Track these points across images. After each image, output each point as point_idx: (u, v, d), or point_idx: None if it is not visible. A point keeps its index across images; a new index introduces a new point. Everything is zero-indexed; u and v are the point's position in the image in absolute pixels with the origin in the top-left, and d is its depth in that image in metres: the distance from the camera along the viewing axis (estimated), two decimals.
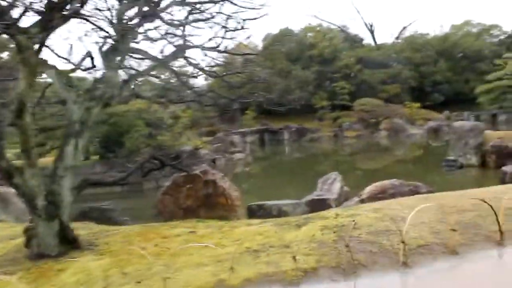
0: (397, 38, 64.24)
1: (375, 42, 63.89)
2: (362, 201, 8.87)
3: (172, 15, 8.15)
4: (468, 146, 20.63)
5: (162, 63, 7.83)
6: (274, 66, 54.59)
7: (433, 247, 5.39)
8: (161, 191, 9.43)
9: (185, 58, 8.08)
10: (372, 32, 64.87)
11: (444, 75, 56.19)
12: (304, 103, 52.67)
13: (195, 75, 10.85)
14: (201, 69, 9.28)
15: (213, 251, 5.86)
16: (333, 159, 35.52)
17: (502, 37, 60.25)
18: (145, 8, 7.69)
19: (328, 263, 5.03)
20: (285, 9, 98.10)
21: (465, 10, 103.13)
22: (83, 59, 7.74)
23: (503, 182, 14.47)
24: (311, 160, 35.74)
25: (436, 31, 67.51)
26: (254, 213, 9.84)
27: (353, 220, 6.32)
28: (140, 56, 7.72)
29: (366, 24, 68.64)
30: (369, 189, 9.09)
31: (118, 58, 7.39)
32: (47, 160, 25.85)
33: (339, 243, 5.49)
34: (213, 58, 9.84)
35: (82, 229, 8.61)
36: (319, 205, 13.86)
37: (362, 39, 64.52)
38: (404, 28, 64.72)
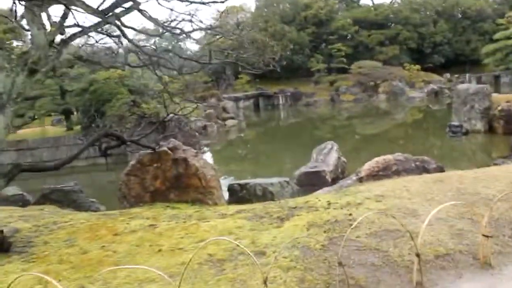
0: None
1: (373, 2, 61.39)
2: (361, 180, 7.51)
3: None
4: (474, 110, 19.19)
5: (106, 18, 6.27)
6: (268, 28, 52.54)
7: (457, 257, 4.01)
8: (124, 171, 8.01)
9: (140, 11, 6.54)
10: None
11: (444, 36, 54.20)
12: (300, 66, 51.04)
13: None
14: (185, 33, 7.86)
15: (167, 259, 4.50)
16: (330, 124, 34.14)
17: None
18: None
19: (312, 285, 3.64)
20: None
21: None
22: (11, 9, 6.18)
23: None
24: (307, 125, 34.39)
25: None
26: (235, 193, 8.48)
27: (350, 213, 4.94)
28: (79, 10, 6.16)
29: None
30: (369, 166, 7.71)
31: (43, 10, 5.82)
32: (28, 132, 24.45)
33: (330, 250, 4.11)
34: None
35: (27, 220, 7.26)
36: (313, 178, 12.56)
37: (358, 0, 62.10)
38: None
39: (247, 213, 5.80)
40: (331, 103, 44.58)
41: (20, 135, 24.44)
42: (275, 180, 8.36)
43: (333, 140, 25.28)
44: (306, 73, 50.60)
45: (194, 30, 7.49)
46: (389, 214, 4.68)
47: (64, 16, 6.90)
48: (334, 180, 12.79)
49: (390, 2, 60.48)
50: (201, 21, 7.53)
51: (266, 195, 8.15)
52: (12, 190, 12.78)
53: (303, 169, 12.79)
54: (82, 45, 12.04)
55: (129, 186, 7.97)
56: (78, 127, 25.51)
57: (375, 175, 7.43)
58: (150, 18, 6.84)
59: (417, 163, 7.72)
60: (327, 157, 13.38)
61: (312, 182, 12.37)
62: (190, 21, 7.38)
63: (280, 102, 46.24)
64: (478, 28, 55.08)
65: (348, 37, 54.47)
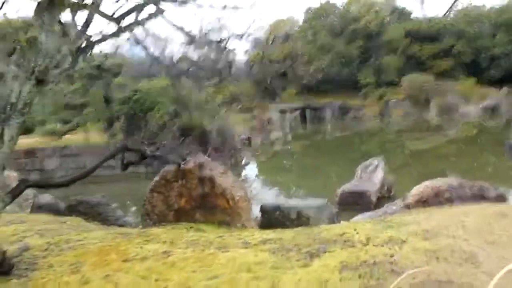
0: (449, 10, 59.51)
1: (425, 15, 59.38)
2: (408, 207, 6.64)
3: None
4: None
5: (128, 26, 5.76)
6: (315, 41, 51.75)
7: None
8: (149, 187, 7.46)
9: (164, 18, 6.00)
10: (421, 4, 60.36)
11: (503, 49, 51.51)
12: (348, 79, 49.88)
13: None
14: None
15: None
16: (378, 139, 32.90)
17: None
18: None
19: None
20: None
21: None
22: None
23: None
24: (354, 140, 33.31)
25: (493, 2, 62.17)
26: (268, 215, 7.75)
27: (391, 254, 4.12)
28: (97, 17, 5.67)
29: None
30: (417, 191, 6.82)
31: (56, 15, 5.33)
32: (73, 138, 24.72)
33: None
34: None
35: (43, 235, 6.84)
36: (356, 198, 11.69)
37: (410, 12, 60.13)
38: (457, 0, 59.76)
39: (273, 244, 5.06)
40: (379, 117, 43.12)
41: (65, 141, 24.74)
42: (312, 202, 7.60)
43: (380, 156, 24.33)
44: (354, 86, 49.37)
45: (224, 39, 6.83)
46: (441, 258, 3.83)
47: (87, 24, 6.45)
48: (379, 200, 11.90)
49: (444, 15, 58.37)
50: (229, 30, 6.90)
51: (300, 219, 7.40)
52: (47, 197, 12.62)
53: (346, 187, 11.96)
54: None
55: (153, 203, 7.42)
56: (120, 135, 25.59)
57: (424, 202, 6.54)
58: (176, 26, 6.29)
59: (474, 190, 6.75)
60: (372, 175, 12.46)
61: (355, 201, 11.54)
62: (220, 29, 6.74)
63: (327, 115, 45.18)
64: None
65: (399, 50, 52.83)
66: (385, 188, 12.14)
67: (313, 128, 41.59)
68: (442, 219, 5.19)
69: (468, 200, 6.52)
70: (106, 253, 5.60)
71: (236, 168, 21.88)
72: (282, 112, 41.82)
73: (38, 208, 11.92)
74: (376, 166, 12.56)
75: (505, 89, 46.75)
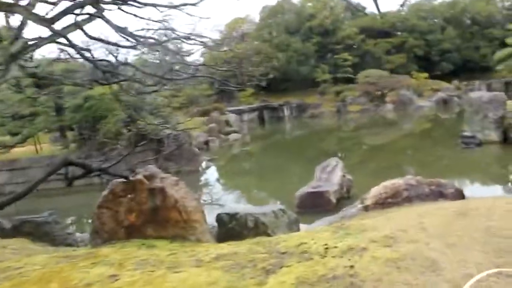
0: (401, 5, 60.73)
1: (379, 10, 60.40)
2: (366, 209, 6.46)
3: None
4: (487, 119, 18.04)
5: (65, 28, 5.31)
6: (272, 39, 51.77)
7: None
8: (97, 203, 6.99)
9: (104, 19, 5.57)
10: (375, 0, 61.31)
11: (453, 43, 53.03)
12: (305, 77, 50.10)
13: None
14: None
15: None
16: (336, 136, 33.12)
17: None
18: None
19: None
20: None
21: None
22: None
23: None
24: (313, 138, 33.35)
25: None
26: (224, 224, 7.41)
27: (351, 265, 3.88)
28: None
29: None
30: (376, 192, 6.65)
31: None
32: (22, 150, 23.65)
33: None
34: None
35: None
36: (316, 200, 11.52)
37: (364, 8, 61.15)
38: None
39: (227, 261, 4.74)
40: (337, 114, 43.51)
41: (14, 154, 23.63)
42: (268, 209, 7.29)
43: (339, 152, 24.45)
44: (311, 84, 49.69)
45: (169, 39, 6.45)
46: (402, 268, 3.61)
47: (21, 27, 5.97)
48: (339, 201, 11.78)
49: (397, 10, 59.51)
50: (173, 30, 6.48)
51: (258, 227, 7.09)
52: None
53: (305, 189, 11.76)
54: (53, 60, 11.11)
55: (102, 220, 6.94)
56: (73, 145, 24.64)
57: (383, 203, 6.37)
58: (117, 28, 5.87)
59: (432, 187, 6.64)
60: (331, 175, 12.33)
61: (314, 203, 11.37)
62: (165, 30, 6.36)
63: (285, 114, 45.27)
64: (487, 34, 53.87)
65: (354, 46, 53.56)
66: (344, 188, 12.02)
67: (272, 128, 41.54)
68: (401, 222, 5.01)
69: (427, 198, 6.40)
70: (46, 280, 5.12)
71: (194, 173, 21.46)
72: (240, 113, 41.54)
73: None
74: (335, 166, 12.43)
75: (455, 82, 48.11)
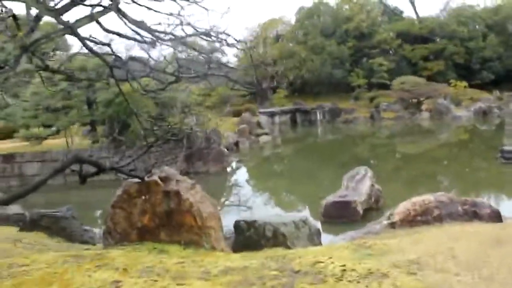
0: (441, 10, 59.06)
1: (417, 15, 58.91)
2: (393, 226, 6.00)
3: None
4: None
5: (78, 21, 5.08)
6: (307, 41, 51.17)
7: None
8: (111, 203, 6.78)
9: (120, 12, 5.32)
10: (413, 3, 59.84)
11: (495, 51, 51.05)
12: (340, 81, 49.36)
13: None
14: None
15: None
16: (369, 142, 32.37)
17: None
18: None
19: None
20: None
21: None
22: None
23: None
24: (345, 143, 32.75)
25: (487, 2, 61.68)
26: (242, 232, 7.08)
27: None
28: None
29: None
30: (404, 208, 6.17)
31: None
32: (54, 143, 23.95)
33: None
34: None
35: None
36: (342, 210, 11.05)
37: (402, 12, 59.71)
38: None
39: (236, 275, 4.41)
40: (370, 120, 42.60)
41: (46, 146, 23.96)
42: (289, 218, 6.91)
43: (371, 159, 23.80)
44: (345, 88, 48.90)
45: (188, 35, 6.14)
46: None
47: (37, 19, 5.78)
48: (367, 212, 11.29)
49: (436, 15, 57.94)
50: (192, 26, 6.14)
51: (277, 237, 6.73)
52: (14, 208, 11.88)
53: (331, 198, 11.31)
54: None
55: (115, 220, 6.72)
56: (105, 139, 24.77)
57: (411, 221, 5.90)
58: (134, 22, 5.61)
59: (466, 206, 6.12)
60: (359, 184, 11.83)
61: (340, 214, 10.91)
62: (181, 24, 6.05)
63: (318, 118, 44.57)
64: None
65: (390, 52, 52.46)
66: (373, 199, 11.50)
67: (304, 131, 40.97)
68: (429, 246, 4.55)
69: (460, 218, 5.89)
70: (48, 282, 4.91)
71: (222, 174, 21.24)
72: (272, 115, 41.18)
73: (5, 220, 11.20)
74: (364, 175, 11.92)
75: (496, 92, 46.38)
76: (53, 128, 25.04)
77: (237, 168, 23.99)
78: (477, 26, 53.96)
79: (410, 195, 14.58)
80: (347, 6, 55.44)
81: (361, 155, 26.23)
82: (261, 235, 6.83)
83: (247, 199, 16.22)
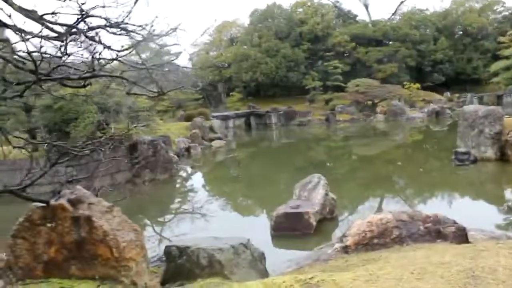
0: (393, 14, 59.92)
1: (370, 18, 59.56)
2: (346, 250, 5.15)
3: None
4: (483, 135, 16.85)
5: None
6: (261, 44, 50.55)
7: None
8: (11, 233, 5.60)
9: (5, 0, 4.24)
10: (366, 7, 60.46)
11: (445, 54, 52.29)
12: (295, 83, 48.97)
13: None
14: None
15: None
16: (324, 145, 31.87)
17: (505, 13, 56.41)
18: None
19: None
20: None
21: None
22: None
23: None
24: (300, 146, 32.07)
25: (436, 6, 63.37)
26: (173, 260, 6.04)
27: None
28: None
29: None
30: (358, 228, 5.31)
31: None
32: None
33: None
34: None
35: None
36: (294, 221, 10.16)
37: (356, 15, 60.22)
38: (401, 3, 60.27)
39: None
40: (326, 122, 42.30)
41: None
42: (226, 244, 5.91)
43: (327, 162, 23.21)
44: (300, 91, 48.57)
45: (90, 28, 5.04)
46: None
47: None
48: (320, 223, 10.45)
49: (388, 18, 58.65)
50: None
51: (213, 265, 5.73)
52: None
53: (282, 209, 10.40)
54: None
55: (16, 253, 5.55)
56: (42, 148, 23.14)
57: (367, 244, 5.06)
58: (21, 9, 4.51)
59: (428, 224, 5.32)
60: (312, 193, 10.99)
61: (292, 226, 10.02)
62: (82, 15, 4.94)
63: (273, 121, 43.88)
64: (479, 46, 53.32)
65: (345, 54, 52.57)
66: (327, 209, 10.66)
67: (258, 135, 40.19)
68: (387, 281, 3.70)
69: (422, 239, 5.11)
70: None
71: (171, 182, 20.07)
72: (226, 118, 40.21)
73: None
74: (317, 184, 11.07)
75: (447, 94, 47.24)
76: None
77: (190, 175, 22.88)
78: (428, 30, 55.05)
79: (367, 199, 14.11)
80: (301, 9, 55.30)
81: (316, 158, 25.64)
82: (194, 264, 5.81)
83: (202, 205, 15.13)
